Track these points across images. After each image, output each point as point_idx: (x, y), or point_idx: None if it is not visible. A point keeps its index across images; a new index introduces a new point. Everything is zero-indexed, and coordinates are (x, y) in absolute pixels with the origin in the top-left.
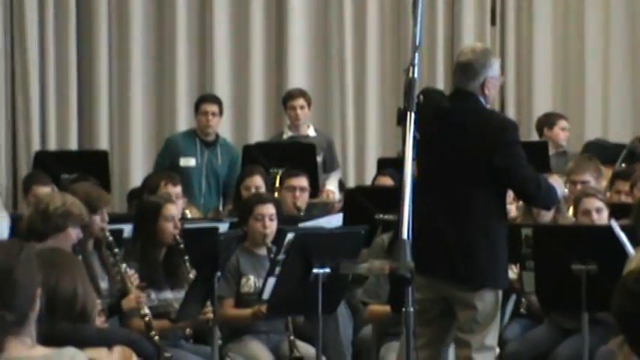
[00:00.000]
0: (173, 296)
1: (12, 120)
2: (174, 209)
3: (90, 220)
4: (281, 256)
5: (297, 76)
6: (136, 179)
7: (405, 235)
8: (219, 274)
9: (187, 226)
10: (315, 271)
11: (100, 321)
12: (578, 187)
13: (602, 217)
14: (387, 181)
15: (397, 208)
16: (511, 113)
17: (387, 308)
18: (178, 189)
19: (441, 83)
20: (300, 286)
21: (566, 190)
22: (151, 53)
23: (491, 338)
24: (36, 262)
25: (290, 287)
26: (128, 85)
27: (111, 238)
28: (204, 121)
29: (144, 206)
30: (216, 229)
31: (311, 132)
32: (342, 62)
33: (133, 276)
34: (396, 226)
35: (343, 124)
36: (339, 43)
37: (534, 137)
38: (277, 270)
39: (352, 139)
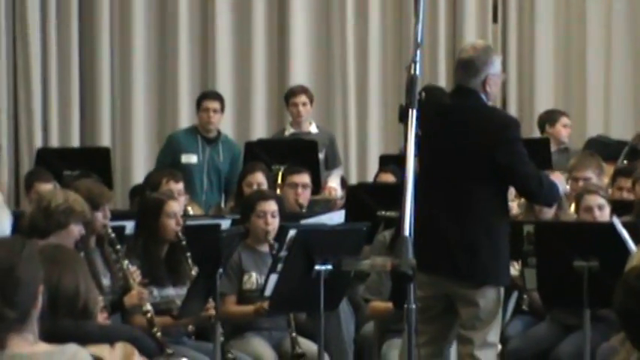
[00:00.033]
0: (175, 293)
1: (14, 117)
2: (176, 206)
3: (92, 216)
4: (283, 253)
5: (299, 73)
6: (138, 176)
7: (406, 232)
8: (221, 270)
9: (189, 222)
10: (317, 267)
11: (102, 318)
12: (580, 183)
13: (604, 214)
14: (389, 177)
15: (399, 205)
16: (513, 110)
17: (389, 305)
18: (180, 186)
19: (442, 80)
20: (302, 282)
21: (567, 187)
22: (153, 50)
23: (494, 335)
24: (38, 259)
25: (292, 284)
26: (130, 81)
27: (113, 235)
28: (205, 117)
29: (146, 203)
30: (219, 225)
31: (313, 129)
32: (344, 59)
33: (135, 272)
34: (398, 222)
35: (345, 121)
36: (341, 40)
37: (536, 134)
38: (279, 267)
39: (354, 136)
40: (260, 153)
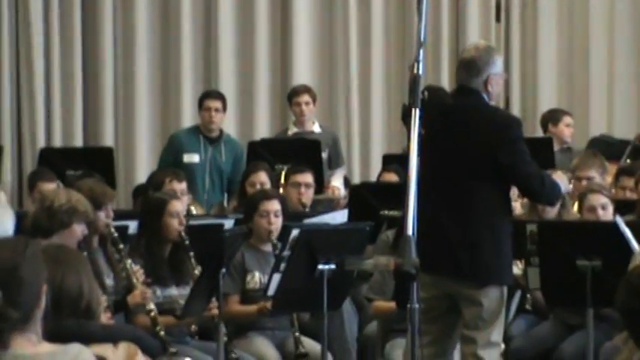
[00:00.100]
0: (178, 293)
1: (17, 117)
2: (179, 205)
3: (95, 216)
4: (286, 253)
5: (302, 73)
6: (141, 176)
7: (409, 232)
8: (224, 270)
9: (192, 222)
10: (320, 267)
11: (105, 317)
12: (583, 183)
13: (607, 213)
14: (392, 177)
15: (402, 205)
16: (516, 109)
17: (393, 304)
18: (183, 185)
19: (445, 79)
20: (306, 282)
21: (570, 186)
22: (156, 50)
23: (497, 334)
24: (42, 259)
25: (295, 284)
26: (133, 81)
27: (116, 235)
28: (207, 117)
29: (149, 203)
30: (222, 225)
31: (316, 128)
32: (347, 58)
33: (138, 272)
34: (401, 222)
35: (348, 121)
36: (344, 40)
37: (539, 133)
38: (282, 266)
39: (357, 136)
40: (263, 152)
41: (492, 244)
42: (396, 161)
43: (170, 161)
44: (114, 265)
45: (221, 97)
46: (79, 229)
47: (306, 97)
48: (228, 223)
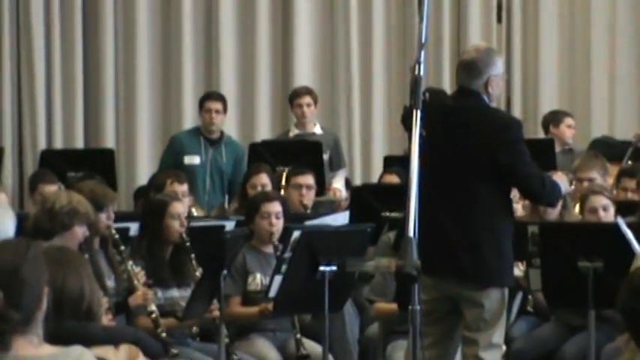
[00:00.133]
0: (179, 294)
1: (18, 119)
2: (180, 207)
3: (96, 218)
4: (287, 254)
5: (304, 74)
6: (143, 177)
7: (411, 233)
8: (225, 272)
9: (194, 224)
10: (321, 268)
11: (106, 319)
12: (585, 184)
13: (608, 215)
14: (393, 178)
15: (404, 206)
16: (517, 111)
17: (394, 306)
18: (185, 187)
19: (447, 81)
20: (307, 284)
21: (571, 187)
22: (157, 51)
23: (498, 336)
24: (43, 261)
25: (296, 285)
26: (134, 83)
27: (117, 236)
28: (207, 118)
29: (150, 204)
30: (223, 227)
31: (317, 130)
32: (348, 60)
33: (139, 273)
34: (402, 223)
35: (349, 122)
36: (345, 41)
37: (540, 135)
38: (284, 268)
39: (358, 137)
40: (264, 154)
41: (493, 245)
42: (397, 163)
43: (171, 163)
44: (115, 267)
45: (222, 99)
46: (80, 231)
47: (307, 99)
48: (230, 225)
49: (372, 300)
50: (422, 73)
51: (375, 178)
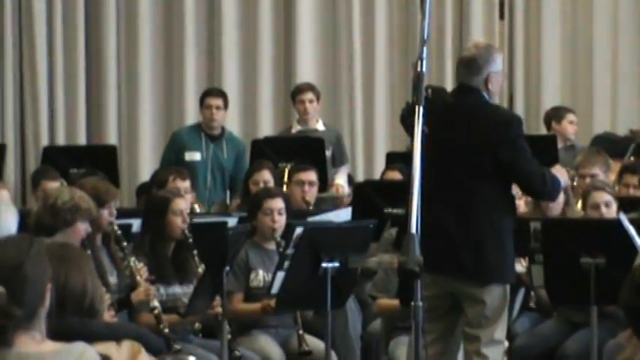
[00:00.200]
0: (182, 291)
1: (20, 115)
2: (182, 204)
3: (98, 214)
4: (290, 251)
5: (306, 71)
6: (145, 174)
7: (413, 229)
8: (227, 268)
9: (196, 220)
10: (324, 265)
11: (109, 315)
12: (587, 180)
13: (610, 211)
14: (395, 175)
15: (406, 203)
16: (520, 107)
17: (396, 302)
18: (187, 183)
19: (449, 77)
20: (309, 280)
21: (573, 183)
22: (159, 48)
23: (500, 332)
24: (46, 258)
25: (299, 281)
26: (136, 79)
27: (119, 232)
28: (208, 115)
29: (152, 201)
30: (225, 223)
31: (320, 126)
32: (350, 56)
33: (142, 269)
34: (404, 220)
35: (352, 118)
36: (347, 37)
37: (543, 131)
38: (286, 264)
39: (361, 133)
40: (267, 150)
41: (494, 242)
42: (399, 159)
43: (172, 159)
44: (117, 263)
45: (222, 95)
46: (83, 227)
47: (309, 95)
48: (232, 221)
49: (374, 296)
50: (424, 69)
51: (377, 175)
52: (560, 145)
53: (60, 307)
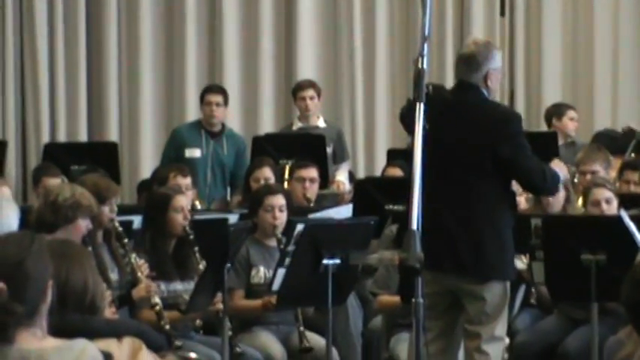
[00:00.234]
0: (183, 287)
1: (21, 112)
2: (183, 200)
3: (99, 211)
4: (291, 247)
5: (307, 67)
6: (146, 171)
7: (414, 226)
8: (228, 265)
9: (197, 217)
10: (324, 262)
11: (110, 312)
12: (588, 177)
13: (611, 208)
14: (396, 172)
15: (407, 199)
16: (520, 104)
17: (397, 299)
18: (188, 180)
19: (450, 74)
20: (310, 277)
21: (567, 174)
22: (160, 45)
23: (501, 329)
24: (48, 254)
25: (300, 278)
26: (138, 76)
27: (120, 229)
28: (208, 111)
29: (153, 197)
30: (226, 220)
31: (321, 123)
32: (351, 53)
33: (143, 265)
34: (404, 217)
35: (353, 115)
36: (348, 34)
37: (543, 128)
38: (287, 261)
39: (362, 130)
40: (267, 147)
41: (494, 239)
42: (400, 156)
43: (172, 156)
44: (118, 260)
45: (222, 92)
46: (84, 224)
47: (310, 92)
48: (233, 218)
49: (375, 293)
50: (425, 66)
51: (378, 172)
52: (560, 141)
53: (61, 304)
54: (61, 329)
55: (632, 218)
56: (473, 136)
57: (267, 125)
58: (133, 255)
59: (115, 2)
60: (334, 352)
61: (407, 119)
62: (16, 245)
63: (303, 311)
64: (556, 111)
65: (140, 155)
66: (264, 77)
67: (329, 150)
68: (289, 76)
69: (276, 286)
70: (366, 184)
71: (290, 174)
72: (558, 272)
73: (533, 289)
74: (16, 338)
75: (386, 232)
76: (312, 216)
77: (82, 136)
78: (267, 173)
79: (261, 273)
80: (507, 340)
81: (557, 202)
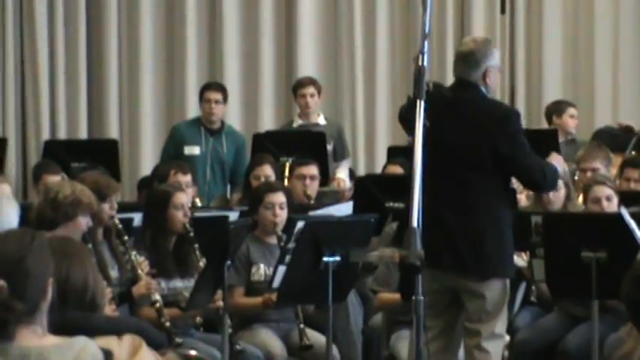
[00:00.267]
0: (183, 285)
1: (22, 109)
2: (183, 198)
3: (99, 208)
4: (291, 245)
5: (307, 65)
6: (146, 168)
7: (414, 224)
8: (229, 262)
9: (197, 214)
10: (325, 259)
11: (110, 309)
12: (588, 174)
13: (611, 205)
14: (397, 169)
15: (407, 197)
16: (521, 101)
17: (397, 296)
18: (188, 178)
19: (450, 72)
20: (311, 274)
21: (565, 167)
22: (160, 42)
23: (501, 326)
24: (48, 252)
25: (300, 276)
26: (138, 74)
27: (120, 226)
28: (207, 108)
29: (153, 195)
30: (226, 217)
31: (321, 120)
32: (352, 50)
33: (143, 263)
34: (405, 214)
35: (353, 113)
36: (348, 31)
37: (544, 125)
38: (287, 258)
39: (362, 128)
40: (268, 145)
41: (494, 237)
42: (401, 153)
43: (172, 153)
44: (118, 257)
45: (221, 89)
46: (84, 221)
47: (311, 89)
48: (233, 216)
49: (375, 290)
50: (425, 63)
51: (378, 169)
52: (561, 139)
53: (61, 301)
54: (61, 327)
55: (633, 216)
56: (472, 134)
57: (268, 122)
58: (133, 252)
59: (115, 3)
60: (334, 349)
61: (407, 117)
62: (16, 242)
63: (304, 309)
64: (556, 108)
65: (140, 152)
66: (265, 75)
67: (329, 147)
68: (290, 74)
69: (276, 283)
70: (367, 181)
71: (290, 171)
72: (559, 270)
73: (533, 287)
74: (16, 336)
75: (386, 230)
76: (312, 213)
77: (82, 134)
78: (267, 171)
79: (261, 270)
80: (507, 338)
81: (557, 199)
